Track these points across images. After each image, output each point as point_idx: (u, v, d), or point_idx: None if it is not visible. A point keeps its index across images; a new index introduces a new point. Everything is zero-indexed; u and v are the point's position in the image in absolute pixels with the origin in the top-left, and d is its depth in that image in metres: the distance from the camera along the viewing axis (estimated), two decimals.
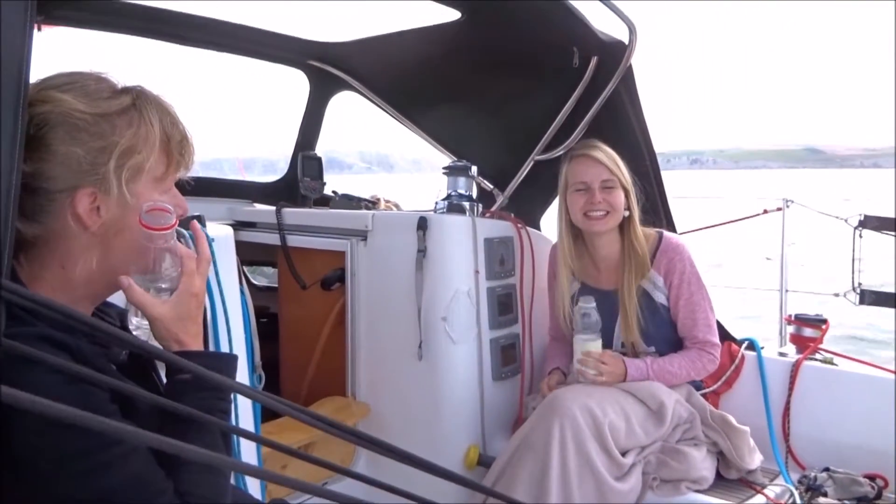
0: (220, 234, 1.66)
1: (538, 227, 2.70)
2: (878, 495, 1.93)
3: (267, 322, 2.73)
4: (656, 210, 2.31)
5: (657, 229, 2.16)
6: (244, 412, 1.64)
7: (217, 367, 0.96)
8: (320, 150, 3.13)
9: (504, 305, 2.26)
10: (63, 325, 0.84)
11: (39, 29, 2.05)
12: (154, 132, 0.93)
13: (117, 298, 1.03)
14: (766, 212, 3.83)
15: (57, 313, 0.75)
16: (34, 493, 0.80)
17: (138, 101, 0.93)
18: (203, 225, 1.59)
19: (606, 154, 2.06)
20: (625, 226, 2.07)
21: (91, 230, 0.90)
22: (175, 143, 0.96)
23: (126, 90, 0.94)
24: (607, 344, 2.07)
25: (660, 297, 2.05)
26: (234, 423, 1.56)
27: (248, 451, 1.63)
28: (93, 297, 0.98)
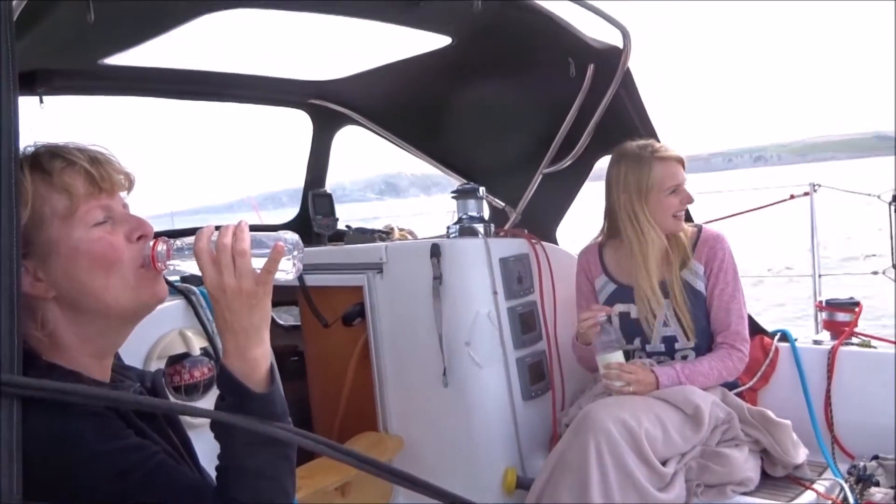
0: None
1: (554, 241, 2.69)
2: None
3: (296, 361, 2.74)
4: None
5: (695, 223, 2.19)
6: None
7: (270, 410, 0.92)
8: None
9: (526, 324, 2.24)
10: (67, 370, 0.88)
11: (41, 101, 2.10)
12: (30, 177, 0.90)
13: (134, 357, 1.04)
14: (792, 197, 3.76)
15: (76, 395, 0.77)
16: None
17: None
18: None
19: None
20: None
21: (48, 297, 0.91)
22: (58, 173, 0.91)
23: None
24: (646, 339, 2.08)
25: (699, 286, 2.06)
26: None
27: None
28: (99, 351, 0.97)
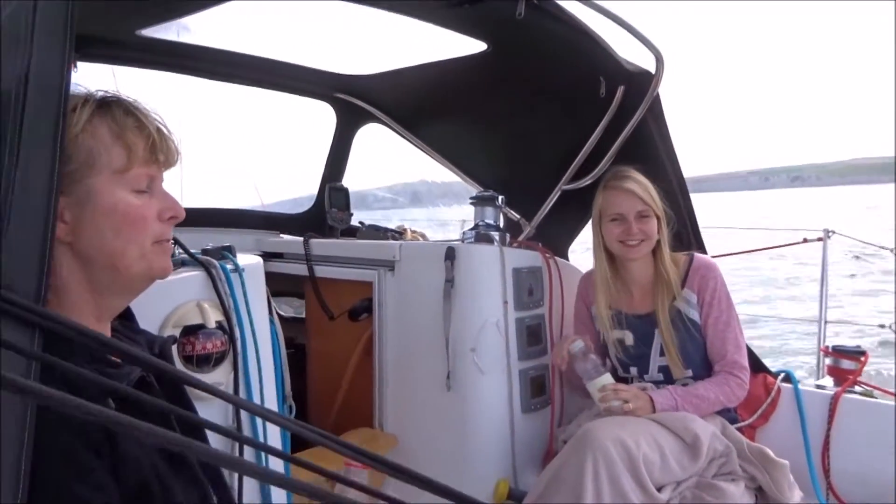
0: (250, 263, 1.67)
1: (566, 257, 2.68)
2: None
3: (293, 353, 2.72)
4: (686, 234, 2.29)
5: (687, 252, 2.17)
6: (273, 442, 1.62)
7: None
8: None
9: (533, 336, 2.23)
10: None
11: (75, 66, 2.10)
12: (100, 123, 0.92)
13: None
14: (805, 241, 3.75)
15: (91, 340, 0.75)
16: None
17: (83, 104, 0.92)
18: (233, 255, 1.60)
19: (640, 184, 2.08)
20: (656, 249, 2.10)
21: (65, 241, 0.90)
22: (131, 132, 0.93)
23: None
24: (644, 369, 2.08)
25: (693, 315, 2.05)
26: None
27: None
28: (101, 310, 0.96)
